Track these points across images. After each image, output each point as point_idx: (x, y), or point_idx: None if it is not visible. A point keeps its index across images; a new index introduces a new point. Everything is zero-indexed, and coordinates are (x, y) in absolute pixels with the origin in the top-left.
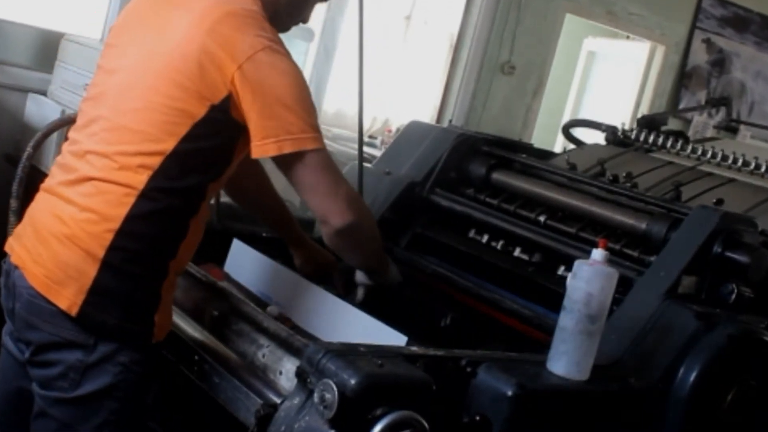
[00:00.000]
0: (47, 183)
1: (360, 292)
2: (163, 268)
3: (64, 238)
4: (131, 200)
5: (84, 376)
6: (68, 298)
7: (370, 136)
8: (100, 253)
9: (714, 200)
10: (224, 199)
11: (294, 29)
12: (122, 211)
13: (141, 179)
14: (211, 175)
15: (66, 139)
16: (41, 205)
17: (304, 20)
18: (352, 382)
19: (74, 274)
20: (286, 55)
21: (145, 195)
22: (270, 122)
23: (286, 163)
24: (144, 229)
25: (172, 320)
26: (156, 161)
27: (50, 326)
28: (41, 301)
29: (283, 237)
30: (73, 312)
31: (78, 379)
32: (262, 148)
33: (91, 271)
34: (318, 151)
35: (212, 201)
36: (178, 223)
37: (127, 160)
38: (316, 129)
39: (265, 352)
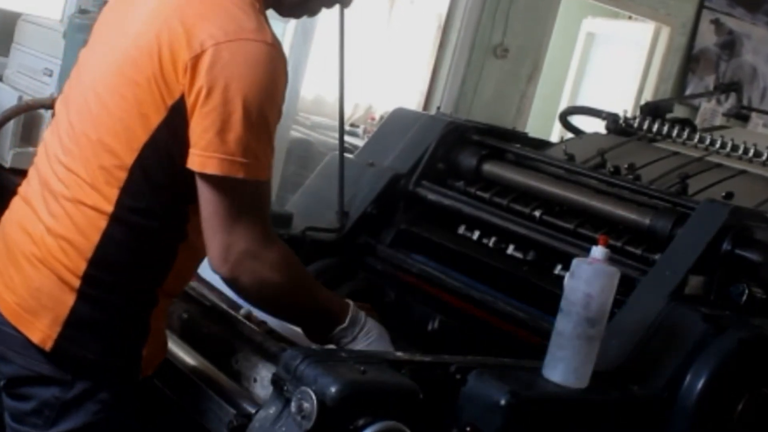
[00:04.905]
0: (23, 189)
1: None
2: (150, 297)
3: (35, 260)
4: (103, 224)
5: (60, 413)
6: (42, 331)
7: (352, 125)
8: (76, 282)
9: (723, 194)
10: None
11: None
12: (94, 238)
13: (110, 199)
14: (188, 193)
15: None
16: (15, 215)
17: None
18: (332, 390)
19: (48, 302)
20: (264, 45)
21: (117, 218)
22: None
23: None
24: (121, 257)
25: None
26: (120, 177)
27: (22, 359)
28: (12, 330)
29: None
30: (47, 346)
31: (53, 416)
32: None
33: (68, 300)
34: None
35: None
36: (161, 249)
37: (92, 176)
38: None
39: (239, 358)
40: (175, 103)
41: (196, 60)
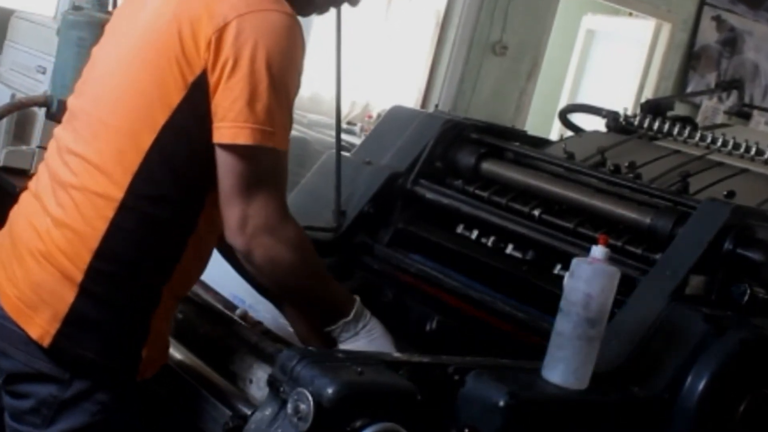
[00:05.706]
0: (33, 184)
1: None
2: (153, 295)
3: (39, 255)
4: (110, 213)
5: (58, 412)
6: (40, 326)
7: (349, 123)
8: (78, 276)
9: (725, 192)
10: None
11: None
12: (101, 227)
13: (121, 185)
14: (206, 180)
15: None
16: (23, 210)
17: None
18: (329, 391)
19: (49, 298)
20: (285, 15)
21: (126, 205)
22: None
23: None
24: (127, 247)
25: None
26: (136, 161)
27: (22, 355)
28: (13, 326)
29: None
30: (45, 343)
31: (51, 415)
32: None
33: (68, 296)
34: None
35: None
36: (169, 240)
37: (104, 163)
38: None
39: (234, 359)
40: (196, 79)
41: (220, 33)
